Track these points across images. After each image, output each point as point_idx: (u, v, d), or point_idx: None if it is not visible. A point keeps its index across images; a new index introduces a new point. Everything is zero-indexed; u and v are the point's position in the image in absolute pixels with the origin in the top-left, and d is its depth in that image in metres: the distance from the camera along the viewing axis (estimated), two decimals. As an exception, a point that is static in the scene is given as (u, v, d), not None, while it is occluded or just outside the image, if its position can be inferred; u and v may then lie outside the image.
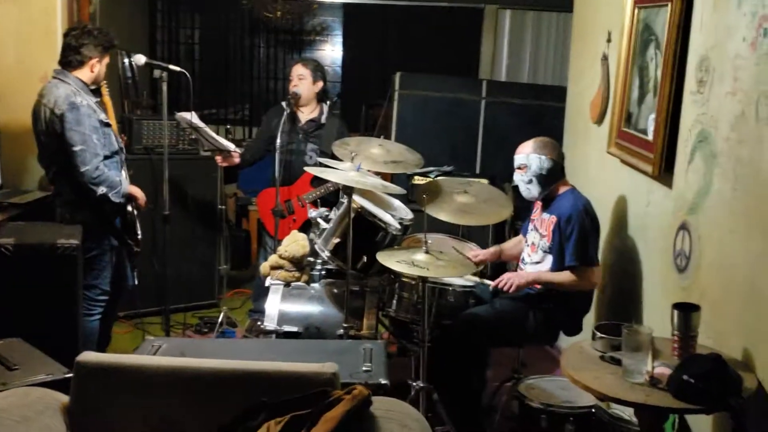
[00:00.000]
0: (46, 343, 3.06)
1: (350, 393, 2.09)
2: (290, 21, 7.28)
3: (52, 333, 3.29)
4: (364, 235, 3.47)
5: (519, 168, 3.54)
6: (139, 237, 3.95)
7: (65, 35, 3.72)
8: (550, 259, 3.47)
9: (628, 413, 2.80)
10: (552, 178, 3.50)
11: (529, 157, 3.49)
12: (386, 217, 3.64)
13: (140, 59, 4.05)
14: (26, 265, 3.37)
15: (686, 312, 2.40)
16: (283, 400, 2.13)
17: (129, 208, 3.87)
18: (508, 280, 3.43)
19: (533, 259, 3.56)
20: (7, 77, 4.63)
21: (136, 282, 4.15)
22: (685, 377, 2.19)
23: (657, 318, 3.09)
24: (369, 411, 2.13)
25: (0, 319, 3.31)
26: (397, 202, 3.99)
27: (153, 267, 4.55)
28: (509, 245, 3.93)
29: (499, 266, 5.16)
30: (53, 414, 2.19)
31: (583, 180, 4.21)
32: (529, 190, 3.53)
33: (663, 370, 2.29)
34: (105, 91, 3.99)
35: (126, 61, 6.45)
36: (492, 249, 3.90)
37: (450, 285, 3.49)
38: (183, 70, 4.11)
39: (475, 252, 3.80)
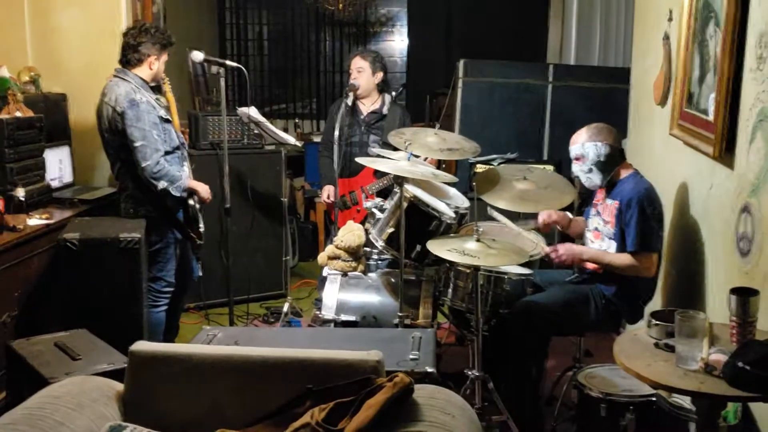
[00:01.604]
0: (112, 334, 3.19)
1: (392, 381, 2.09)
2: (353, 13, 7.29)
3: (116, 324, 3.42)
4: (418, 224, 3.47)
5: (576, 159, 3.46)
6: (202, 230, 4.04)
7: (124, 35, 3.83)
8: (614, 245, 3.39)
9: (689, 402, 2.70)
10: (611, 163, 3.41)
11: (584, 146, 3.41)
12: (440, 205, 3.61)
13: (198, 56, 4.14)
14: (91, 258, 3.51)
15: (744, 297, 2.29)
16: (328, 387, 2.15)
17: (191, 201, 3.96)
18: (562, 254, 3.37)
19: (600, 246, 3.47)
20: (77, 78, 4.80)
21: (200, 273, 4.26)
22: (740, 364, 2.10)
23: (721, 304, 2.97)
24: (412, 398, 2.12)
25: (67, 311, 3.48)
26: (452, 191, 3.96)
27: (221, 259, 4.65)
28: (577, 219, 3.83)
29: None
30: (107, 401, 2.26)
31: (648, 163, 4.09)
32: (591, 179, 3.45)
33: (718, 357, 2.21)
34: (168, 87, 4.09)
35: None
36: (561, 213, 3.77)
37: (506, 273, 3.44)
38: (240, 66, 4.17)
39: (547, 212, 3.72)
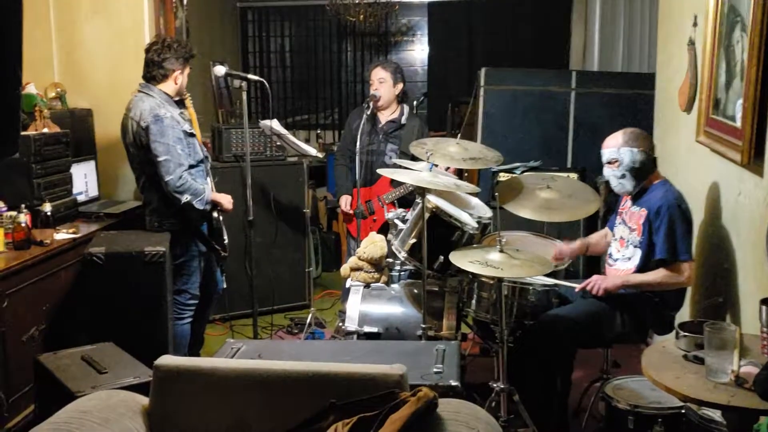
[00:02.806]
0: (137, 347, 3.21)
1: (416, 395, 2.08)
2: (374, 23, 7.31)
3: (142, 337, 3.44)
4: (440, 234, 3.45)
5: (610, 163, 3.40)
6: (226, 242, 4.06)
7: (146, 51, 3.85)
8: (639, 253, 3.34)
9: (719, 414, 2.65)
10: (645, 171, 3.37)
11: (620, 150, 3.35)
12: (463, 216, 3.59)
13: (220, 70, 4.16)
14: (116, 272, 3.54)
15: (775, 308, 2.25)
16: (352, 401, 2.14)
17: (215, 214, 3.98)
18: (596, 283, 3.32)
19: (624, 254, 3.43)
20: (101, 92, 4.85)
21: (225, 286, 4.27)
22: (772, 377, 2.06)
23: (752, 314, 2.92)
24: (436, 413, 2.11)
25: (93, 324, 3.50)
26: (475, 200, 3.94)
27: (245, 271, 4.66)
28: (595, 239, 3.80)
29: (592, 261, 5.04)
30: (133, 416, 2.27)
31: (674, 170, 4.04)
32: (622, 185, 3.40)
33: (750, 369, 2.17)
34: (189, 102, 4.11)
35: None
36: (577, 243, 3.76)
37: (531, 284, 3.41)
38: (262, 80, 4.18)
39: (558, 248, 3.69)
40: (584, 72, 6.87)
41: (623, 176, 3.37)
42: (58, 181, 4.17)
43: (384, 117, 4.79)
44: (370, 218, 4.75)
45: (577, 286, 3.40)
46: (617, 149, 3.36)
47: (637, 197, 3.43)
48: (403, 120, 4.77)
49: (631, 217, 3.42)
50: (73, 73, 4.88)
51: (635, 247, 3.37)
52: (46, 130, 4.15)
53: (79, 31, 4.87)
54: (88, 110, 4.85)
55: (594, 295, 3.34)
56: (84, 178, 4.63)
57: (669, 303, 3.37)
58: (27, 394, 3.44)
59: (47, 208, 3.85)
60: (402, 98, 4.82)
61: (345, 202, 4.80)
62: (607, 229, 3.74)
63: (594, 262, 5.10)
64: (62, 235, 3.88)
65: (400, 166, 3.69)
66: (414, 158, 3.89)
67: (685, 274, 3.24)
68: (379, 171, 3.63)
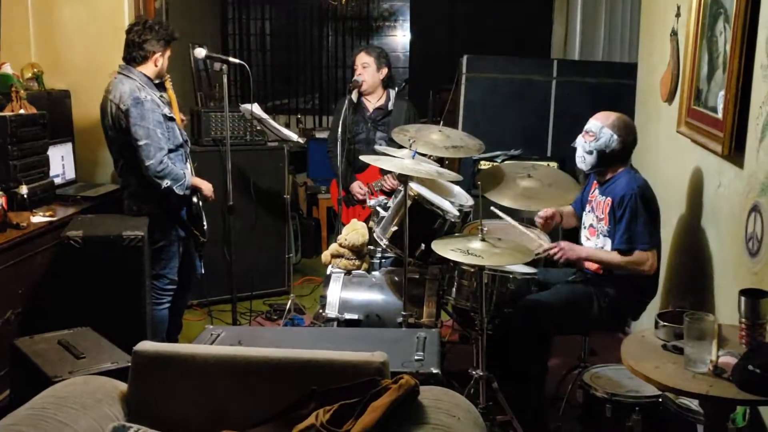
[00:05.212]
0: (115, 332, 3.17)
1: (397, 382, 2.08)
2: (356, 8, 7.25)
3: (120, 322, 3.40)
4: (422, 222, 3.44)
5: (587, 132, 3.40)
6: (205, 227, 4.02)
7: (127, 32, 3.79)
8: (609, 242, 3.37)
9: (695, 403, 2.68)
10: (612, 160, 3.38)
11: (603, 129, 3.35)
12: (444, 204, 3.59)
13: (200, 53, 4.11)
14: (94, 256, 3.49)
15: (754, 298, 2.27)
16: (333, 388, 2.14)
17: (194, 199, 3.94)
18: (561, 249, 3.35)
19: (596, 243, 3.45)
20: (79, 75, 4.78)
21: (203, 271, 4.24)
22: (750, 367, 2.07)
23: (729, 305, 2.95)
24: (417, 400, 2.11)
25: (70, 309, 3.46)
26: (457, 189, 3.94)
27: (224, 256, 4.64)
28: (564, 210, 3.77)
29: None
30: (112, 402, 2.25)
31: (654, 160, 4.07)
32: (585, 159, 3.40)
33: (728, 360, 2.19)
34: (169, 85, 4.06)
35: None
36: (549, 210, 3.66)
37: (511, 272, 3.42)
38: (243, 63, 4.14)
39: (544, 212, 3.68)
40: (565, 61, 6.87)
41: (590, 152, 3.37)
42: (35, 164, 4.10)
43: (371, 104, 4.77)
44: (359, 206, 4.74)
45: (544, 245, 3.41)
46: (601, 127, 3.36)
47: (602, 185, 3.44)
48: (390, 106, 4.76)
49: (598, 205, 3.44)
50: (51, 53, 4.80)
51: (605, 236, 3.39)
52: (22, 111, 4.07)
53: (57, 10, 4.78)
54: (65, 91, 4.78)
55: (556, 260, 3.38)
56: (61, 161, 4.57)
57: (643, 290, 3.41)
58: (2, 378, 3.40)
59: (24, 190, 3.79)
60: (387, 83, 4.80)
61: (359, 187, 4.76)
62: (572, 208, 3.75)
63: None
64: (39, 218, 3.83)
65: (383, 153, 3.67)
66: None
67: (647, 263, 3.25)
68: (362, 158, 3.61)
